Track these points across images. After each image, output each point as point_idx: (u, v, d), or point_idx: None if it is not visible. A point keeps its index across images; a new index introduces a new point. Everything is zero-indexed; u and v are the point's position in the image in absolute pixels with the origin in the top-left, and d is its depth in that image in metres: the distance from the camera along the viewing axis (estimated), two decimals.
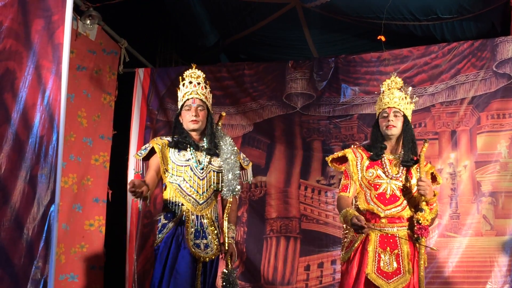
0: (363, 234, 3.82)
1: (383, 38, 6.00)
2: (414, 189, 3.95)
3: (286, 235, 6.28)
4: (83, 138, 5.96)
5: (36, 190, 3.71)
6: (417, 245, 3.89)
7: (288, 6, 6.40)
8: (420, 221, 3.80)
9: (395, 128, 4.01)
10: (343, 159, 4.21)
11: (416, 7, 5.98)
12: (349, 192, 4.08)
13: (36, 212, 3.68)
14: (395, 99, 4.06)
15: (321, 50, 6.93)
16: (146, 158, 4.14)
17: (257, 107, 6.60)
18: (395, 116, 4.02)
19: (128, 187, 3.65)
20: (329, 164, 4.29)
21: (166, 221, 4.03)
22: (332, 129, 6.31)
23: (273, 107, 6.58)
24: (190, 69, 4.23)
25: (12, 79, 3.80)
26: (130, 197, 3.93)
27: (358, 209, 4.06)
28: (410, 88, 4.18)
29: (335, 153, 4.26)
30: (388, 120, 4.00)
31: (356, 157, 4.11)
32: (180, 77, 4.24)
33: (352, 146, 4.22)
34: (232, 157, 4.13)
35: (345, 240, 4.10)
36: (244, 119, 6.59)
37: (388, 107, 4.04)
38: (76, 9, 5.79)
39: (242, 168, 4.29)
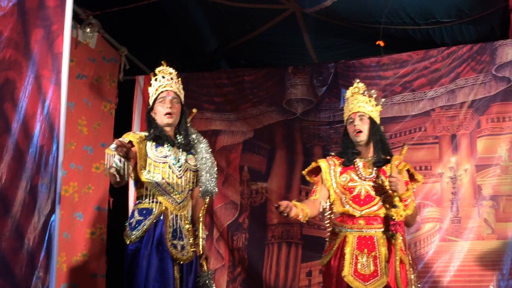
0: (285, 214, 3.77)
1: (381, 43, 6.01)
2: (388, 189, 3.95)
3: (288, 241, 6.28)
4: (83, 147, 5.96)
5: (36, 200, 3.73)
6: (392, 241, 3.87)
7: (288, 11, 6.41)
8: (394, 217, 3.79)
9: (362, 133, 4.03)
10: (318, 170, 4.20)
11: (415, 11, 5.98)
12: (315, 195, 4.11)
13: (37, 222, 3.69)
14: (359, 103, 4.09)
15: (321, 55, 6.93)
16: None
17: (257, 113, 6.60)
18: (361, 119, 4.05)
19: (115, 141, 3.57)
20: (307, 178, 4.27)
21: (141, 218, 3.87)
22: (333, 134, 6.31)
23: (273, 113, 6.58)
24: (161, 66, 4.13)
25: (12, 89, 3.82)
26: (111, 159, 3.62)
27: (334, 214, 4.10)
28: (373, 91, 4.19)
29: (309, 166, 4.24)
30: (355, 125, 4.03)
31: (329, 164, 4.13)
32: (152, 74, 4.15)
33: (328, 157, 4.21)
34: (209, 157, 4.06)
35: (326, 242, 4.13)
36: (245, 125, 6.60)
37: (353, 113, 4.07)
38: (76, 18, 5.81)
39: None
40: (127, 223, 3.94)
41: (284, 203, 3.76)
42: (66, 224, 5.66)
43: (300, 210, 3.86)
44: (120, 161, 3.65)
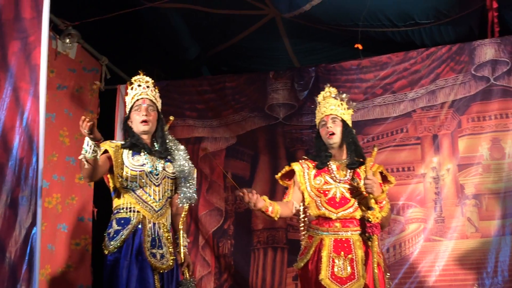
0: (251, 205, 3.76)
1: (360, 46, 6.03)
2: (364, 191, 3.96)
3: (273, 246, 6.28)
4: (66, 157, 5.94)
5: (17, 213, 3.69)
6: (369, 244, 3.87)
7: (267, 17, 6.43)
8: (370, 219, 3.80)
9: (335, 135, 4.05)
10: (292, 174, 4.20)
11: (393, 14, 6.01)
12: (288, 197, 4.12)
13: (18, 235, 3.65)
14: (331, 106, 4.11)
15: (302, 60, 6.95)
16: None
17: (239, 119, 6.61)
18: (333, 122, 4.06)
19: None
20: (280, 182, 4.25)
21: (119, 228, 3.84)
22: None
23: (255, 118, 6.59)
24: (137, 75, 4.12)
25: None
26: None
27: (308, 217, 4.09)
28: (345, 94, 4.20)
29: (283, 169, 4.22)
30: (327, 127, 4.05)
31: (302, 167, 4.12)
32: (128, 83, 4.15)
33: (301, 161, 4.20)
34: (187, 164, 4.03)
35: (301, 246, 4.12)
36: (227, 132, 6.60)
37: (326, 115, 4.09)
38: (55, 28, 5.80)
39: None
40: (105, 233, 3.92)
41: (247, 191, 3.75)
42: (50, 236, 5.63)
43: (269, 204, 3.86)
44: (87, 144, 3.58)
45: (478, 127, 5.87)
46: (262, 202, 3.82)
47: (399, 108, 6.14)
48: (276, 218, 3.94)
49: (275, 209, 3.90)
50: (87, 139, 3.57)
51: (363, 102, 6.25)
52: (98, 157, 3.66)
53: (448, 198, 5.84)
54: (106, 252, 3.84)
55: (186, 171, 4.02)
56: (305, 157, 4.23)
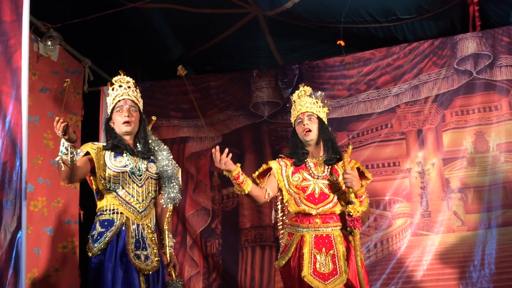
0: (222, 164, 3.74)
1: (342, 43, 6.05)
2: (343, 186, 3.98)
3: (261, 244, 6.28)
4: (50, 160, 5.90)
5: (2, 217, 3.69)
6: (351, 238, 3.89)
7: (250, 15, 6.43)
8: (351, 213, 3.80)
9: (312, 132, 4.07)
10: (269, 172, 4.20)
11: (375, 9, 6.03)
12: (263, 184, 4.13)
13: (3, 239, 3.65)
14: (307, 104, 4.13)
15: (285, 57, 6.95)
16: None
17: (224, 118, 6.60)
18: (310, 119, 4.08)
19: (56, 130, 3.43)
20: (257, 181, 4.21)
21: (103, 230, 3.81)
22: None
23: (240, 117, 6.59)
24: (118, 76, 4.10)
25: None
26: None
27: (287, 215, 4.09)
28: (319, 93, 4.22)
29: (260, 168, 4.22)
30: (304, 125, 4.06)
31: (280, 165, 4.13)
32: (109, 83, 4.12)
33: (277, 159, 4.20)
34: (170, 164, 4.02)
35: (281, 244, 4.11)
36: (212, 131, 6.59)
37: (301, 113, 4.11)
38: (36, 31, 5.77)
39: None
40: (89, 236, 3.89)
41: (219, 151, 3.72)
42: (37, 239, 5.60)
43: (242, 174, 3.83)
44: (62, 145, 3.54)
45: (462, 121, 5.90)
46: (234, 166, 3.78)
47: (383, 103, 6.16)
48: (246, 191, 3.87)
49: (247, 182, 3.87)
50: (62, 140, 3.52)
51: (347, 98, 6.27)
52: (75, 158, 3.62)
53: (434, 192, 5.86)
54: (90, 254, 3.81)
55: (169, 171, 4.01)
56: (282, 156, 4.23)
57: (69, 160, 3.55)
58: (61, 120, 3.42)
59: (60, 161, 3.57)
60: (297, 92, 4.25)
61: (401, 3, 5.95)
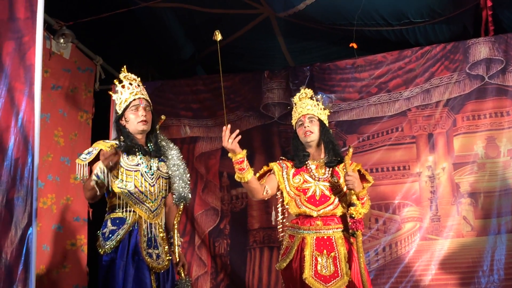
0: (229, 142, 3.76)
1: (355, 46, 6.04)
2: (344, 188, 3.96)
3: (270, 245, 6.28)
4: (60, 158, 5.92)
5: (13, 214, 3.70)
6: (353, 240, 3.88)
7: (261, 16, 6.42)
8: (353, 215, 3.79)
9: (313, 134, 4.07)
10: (271, 173, 4.19)
11: (388, 12, 6.02)
12: (263, 180, 4.11)
13: (14, 236, 3.66)
14: (308, 106, 4.13)
15: (296, 59, 6.95)
16: (91, 163, 3.83)
17: (234, 118, 6.59)
18: (311, 121, 4.09)
19: (101, 158, 3.54)
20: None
21: (114, 228, 3.81)
22: None
23: (250, 118, 6.59)
24: (122, 72, 4.07)
25: None
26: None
27: (289, 216, 4.10)
28: (320, 95, 4.24)
29: (261, 170, 4.20)
30: (305, 127, 4.06)
31: (281, 167, 4.13)
32: (117, 80, 4.09)
33: (279, 161, 4.19)
34: (181, 163, 4.03)
35: (282, 246, 4.10)
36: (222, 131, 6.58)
37: (303, 115, 4.11)
38: (49, 28, 5.79)
39: None
40: (99, 233, 3.89)
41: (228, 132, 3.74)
42: (45, 236, 5.62)
43: (246, 161, 3.81)
44: (101, 172, 3.60)
45: (473, 126, 5.88)
46: (239, 149, 3.77)
47: (394, 107, 6.15)
48: (245, 179, 3.83)
49: (249, 170, 3.84)
50: (102, 167, 3.60)
51: (358, 101, 6.27)
52: (111, 183, 3.72)
53: (443, 197, 5.85)
54: (101, 252, 3.81)
55: (180, 170, 4.02)
56: (283, 158, 4.22)
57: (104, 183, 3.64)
58: (113, 153, 3.55)
59: (94, 184, 3.63)
60: (298, 94, 4.26)
61: (414, 6, 5.94)
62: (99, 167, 3.63)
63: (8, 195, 3.70)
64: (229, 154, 3.83)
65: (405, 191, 5.95)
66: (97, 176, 3.61)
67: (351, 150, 4.02)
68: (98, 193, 3.70)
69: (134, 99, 3.98)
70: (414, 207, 5.92)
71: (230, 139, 3.75)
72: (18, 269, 3.61)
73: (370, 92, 6.25)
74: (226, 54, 7.04)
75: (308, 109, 4.13)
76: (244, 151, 3.83)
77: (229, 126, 3.78)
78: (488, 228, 5.66)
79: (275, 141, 6.48)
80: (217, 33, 3.97)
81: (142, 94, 4.03)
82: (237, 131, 3.79)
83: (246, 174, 3.84)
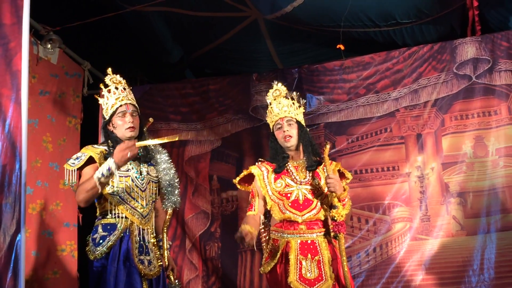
0: (250, 246, 3.72)
1: (342, 47, 6.05)
2: (325, 190, 3.94)
3: (261, 248, 6.20)
4: (49, 163, 5.90)
5: (1, 220, 3.68)
6: (335, 242, 3.87)
7: (249, 19, 6.42)
8: (335, 218, 3.77)
9: (292, 138, 4.00)
10: (251, 178, 4.14)
11: (375, 14, 6.03)
12: (254, 210, 4.03)
13: (2, 242, 3.64)
14: (284, 107, 4.04)
15: (285, 61, 6.96)
16: (80, 169, 3.79)
17: (224, 121, 6.60)
18: (289, 125, 4.01)
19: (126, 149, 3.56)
20: (238, 186, 4.19)
21: (105, 233, 3.77)
22: None
23: (240, 120, 6.59)
24: (108, 75, 4.01)
25: None
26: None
27: (272, 219, 4.03)
28: (294, 93, 4.13)
29: (241, 174, 4.16)
30: (284, 131, 3.99)
31: (262, 171, 4.06)
32: (102, 84, 4.03)
33: (257, 162, 4.14)
34: (170, 167, 4.01)
35: (265, 249, 4.06)
36: (212, 134, 6.59)
37: (280, 118, 4.03)
38: (36, 34, 5.77)
39: None
40: (89, 238, 3.86)
41: (248, 236, 3.67)
42: (35, 242, 5.59)
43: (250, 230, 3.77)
44: (107, 169, 3.58)
45: (461, 126, 5.91)
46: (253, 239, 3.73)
47: (383, 107, 6.17)
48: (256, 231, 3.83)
49: (257, 228, 3.85)
50: (111, 164, 3.58)
51: (347, 102, 6.28)
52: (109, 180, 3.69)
53: (433, 197, 5.87)
54: (91, 257, 3.78)
55: (169, 174, 4.00)
56: (261, 160, 4.15)
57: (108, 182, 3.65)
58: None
59: (97, 182, 3.59)
60: (271, 91, 4.15)
61: (401, 7, 5.95)
62: (107, 164, 3.60)
63: None
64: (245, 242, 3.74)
65: (394, 191, 5.97)
66: (102, 174, 3.57)
67: (328, 146, 3.97)
68: (100, 191, 3.63)
69: (121, 105, 3.93)
70: (404, 207, 5.93)
71: (249, 245, 3.70)
72: (7, 276, 3.59)
73: (359, 93, 6.26)
74: (215, 57, 7.09)
75: (285, 111, 4.03)
76: (252, 231, 3.74)
77: (244, 234, 3.68)
78: (478, 227, 5.69)
79: (265, 144, 6.47)
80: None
81: (129, 99, 3.97)
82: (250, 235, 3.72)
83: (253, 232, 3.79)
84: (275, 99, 4.12)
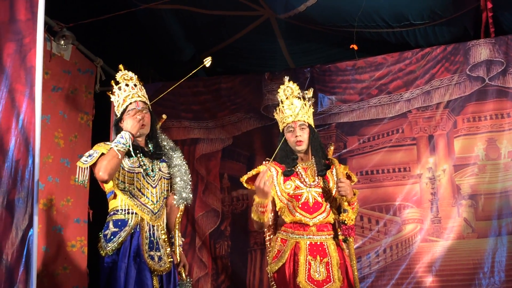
0: (264, 188, 3.67)
1: (355, 47, 6.04)
2: (333, 192, 3.94)
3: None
4: (60, 159, 5.92)
5: (13, 215, 3.69)
6: (344, 246, 3.88)
7: (262, 18, 6.43)
8: (345, 222, 3.77)
9: (304, 142, 3.99)
10: None
11: (388, 14, 6.02)
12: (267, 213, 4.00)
13: (15, 237, 3.65)
14: (297, 109, 4.02)
15: (297, 60, 6.95)
16: (92, 166, 3.77)
17: (235, 120, 6.61)
18: (301, 129, 3.99)
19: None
20: (244, 185, 4.15)
21: (116, 230, 3.79)
22: None
23: (251, 119, 6.59)
24: (120, 71, 4.04)
25: None
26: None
27: (281, 220, 4.00)
28: (306, 92, 4.11)
29: (249, 172, 4.13)
30: (296, 136, 3.98)
31: (271, 172, 4.03)
32: (113, 81, 4.05)
33: (264, 162, 4.09)
34: (182, 164, 4.01)
35: (270, 249, 4.05)
36: (223, 133, 6.60)
37: (293, 121, 4.01)
38: (49, 30, 5.79)
39: None
40: (101, 234, 3.87)
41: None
42: (45, 237, 5.61)
43: (268, 207, 3.81)
44: (122, 137, 3.66)
45: (474, 128, 5.89)
46: (269, 194, 3.74)
47: (395, 108, 6.15)
48: (263, 220, 3.82)
49: (268, 213, 3.83)
50: (124, 133, 3.68)
51: (359, 102, 6.27)
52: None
53: (444, 199, 5.85)
54: (103, 253, 3.79)
55: (182, 171, 4.00)
56: (268, 159, 4.03)
57: (126, 149, 3.67)
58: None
59: (116, 150, 3.64)
60: (282, 88, 4.13)
61: (414, 8, 5.94)
62: (119, 135, 3.69)
63: (8, 197, 3.69)
64: (256, 196, 3.77)
65: (405, 192, 5.95)
66: (118, 142, 3.65)
67: (332, 147, 3.98)
68: (120, 158, 3.66)
69: (131, 103, 3.95)
70: (414, 208, 5.91)
71: (268, 181, 3.69)
72: (19, 270, 3.60)
73: (371, 93, 6.25)
74: (227, 55, 7.09)
75: (298, 114, 4.00)
76: (270, 197, 3.79)
77: (270, 167, 3.73)
78: (489, 230, 5.66)
79: (275, 143, 6.41)
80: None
81: (139, 96, 3.98)
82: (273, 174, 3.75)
83: (265, 216, 3.82)
84: (287, 98, 4.10)
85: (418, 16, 6.02)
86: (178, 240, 4.06)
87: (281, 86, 4.16)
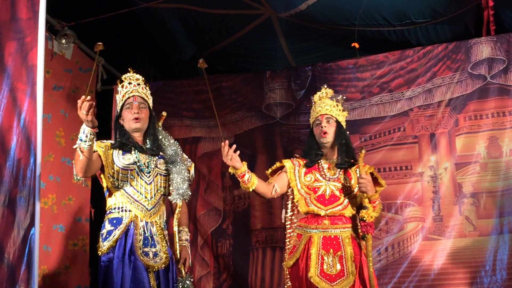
0: (228, 158, 3.75)
1: (357, 45, 6.04)
2: (355, 190, 3.96)
3: (272, 246, 6.28)
4: (61, 158, 5.92)
5: (15, 214, 3.69)
6: (364, 242, 3.88)
7: (263, 16, 6.43)
8: (364, 218, 3.78)
9: (328, 134, 4.04)
10: (282, 170, 4.19)
11: (389, 13, 6.02)
12: (272, 179, 4.12)
13: (16, 236, 3.65)
14: (327, 106, 4.10)
15: (298, 59, 6.95)
16: None
17: (236, 118, 6.61)
18: (328, 122, 4.06)
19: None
20: (269, 178, 4.18)
21: (112, 228, 3.79)
22: None
23: (252, 118, 6.59)
24: (128, 73, 4.07)
25: None
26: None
27: (297, 215, 4.10)
28: (340, 96, 4.20)
29: (273, 165, 4.21)
30: (322, 127, 4.04)
31: (293, 164, 4.12)
32: (118, 81, 4.09)
33: (292, 158, 4.18)
34: (179, 160, 4.00)
35: (288, 245, 4.08)
36: (224, 131, 6.59)
37: (321, 115, 4.08)
38: (51, 29, 5.79)
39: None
40: (99, 234, 3.87)
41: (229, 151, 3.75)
42: (46, 236, 5.62)
43: (247, 172, 3.85)
44: (83, 132, 3.50)
45: (475, 126, 5.88)
46: (240, 164, 3.79)
47: (396, 107, 6.15)
48: (250, 189, 3.88)
49: (252, 180, 3.87)
50: (83, 127, 3.50)
51: (360, 101, 6.26)
52: (93, 147, 3.62)
53: (446, 197, 5.84)
54: (99, 253, 3.80)
55: (178, 167, 3.96)
56: (297, 155, 4.21)
57: (86, 147, 3.52)
58: (88, 99, 3.41)
59: (78, 149, 3.55)
60: (318, 93, 4.22)
61: (416, 7, 5.94)
62: (81, 129, 3.53)
63: (10, 195, 3.69)
64: (230, 169, 3.85)
65: (407, 191, 5.95)
66: (80, 139, 3.53)
67: (363, 151, 4.00)
68: (82, 157, 3.55)
69: (129, 97, 3.96)
70: (416, 207, 5.91)
71: (228, 156, 3.75)
72: (20, 269, 3.61)
73: (372, 92, 6.25)
74: (228, 54, 7.09)
75: (327, 109, 4.09)
76: (245, 164, 3.84)
77: (226, 141, 3.79)
78: (491, 228, 5.66)
79: (277, 141, 6.48)
80: (201, 61, 4.12)
81: (138, 92, 3.99)
82: (234, 146, 3.79)
83: (250, 185, 3.88)
84: (320, 99, 4.19)
85: (420, 14, 6.01)
86: (182, 234, 4.05)
87: (317, 92, 4.25)
